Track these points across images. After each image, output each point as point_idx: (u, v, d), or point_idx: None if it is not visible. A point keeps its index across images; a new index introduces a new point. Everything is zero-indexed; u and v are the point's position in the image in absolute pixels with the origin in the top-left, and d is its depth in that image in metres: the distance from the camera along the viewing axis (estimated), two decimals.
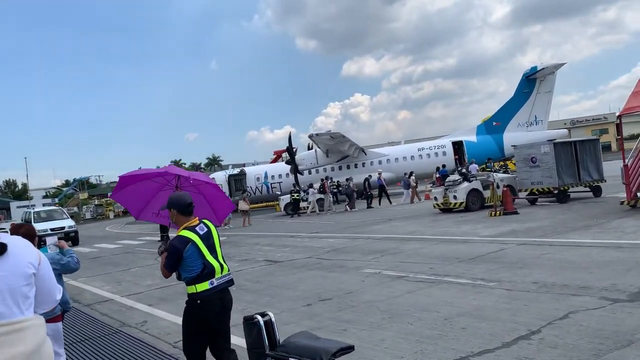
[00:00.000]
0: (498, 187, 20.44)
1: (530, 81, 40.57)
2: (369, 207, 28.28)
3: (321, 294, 8.64)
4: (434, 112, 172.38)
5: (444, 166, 32.58)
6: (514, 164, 41.42)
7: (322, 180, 31.38)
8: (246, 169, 44.50)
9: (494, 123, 42.20)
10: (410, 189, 29.12)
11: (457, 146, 41.22)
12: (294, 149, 40.17)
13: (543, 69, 39.57)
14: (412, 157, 41.04)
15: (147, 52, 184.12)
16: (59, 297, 2.56)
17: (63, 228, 25.92)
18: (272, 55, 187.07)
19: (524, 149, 20.37)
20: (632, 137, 59.12)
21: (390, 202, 28.86)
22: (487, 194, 20.22)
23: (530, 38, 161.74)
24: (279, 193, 36.72)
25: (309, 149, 43.77)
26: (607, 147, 70.90)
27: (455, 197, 19.86)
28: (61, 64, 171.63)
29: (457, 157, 40.44)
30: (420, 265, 10.05)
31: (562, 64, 40.34)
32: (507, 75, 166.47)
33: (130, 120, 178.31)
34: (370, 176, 32.40)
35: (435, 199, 20.69)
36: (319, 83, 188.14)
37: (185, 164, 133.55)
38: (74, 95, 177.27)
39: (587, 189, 19.90)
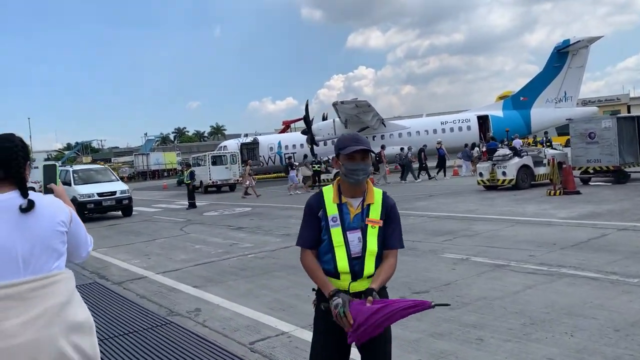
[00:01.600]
0: (549, 163, 18.87)
1: (562, 55, 38.55)
2: (430, 178, 26.97)
3: (410, 285, 7.08)
4: (439, 88, 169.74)
5: (493, 138, 30.71)
6: (538, 141, 39.83)
7: (381, 147, 29.36)
8: (259, 137, 42.78)
9: (522, 98, 40.36)
10: (471, 161, 27.55)
11: (482, 121, 39.43)
12: (311, 119, 38.35)
13: (577, 42, 37.47)
14: (434, 130, 39.29)
15: (151, 17, 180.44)
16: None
17: (114, 194, 19.77)
18: (277, 25, 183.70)
19: (580, 124, 18.63)
20: None
21: (435, 177, 27.24)
22: (538, 170, 18.62)
23: (540, 16, 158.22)
24: (296, 164, 35.05)
25: (323, 119, 42.01)
26: None
27: (504, 174, 18.21)
28: (66, 27, 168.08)
29: (482, 132, 38.68)
30: (514, 252, 8.47)
31: (598, 37, 38.17)
32: (514, 53, 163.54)
33: (133, 86, 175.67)
34: (425, 145, 30.45)
35: (481, 174, 19.03)
36: (323, 54, 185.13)
37: (188, 131, 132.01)
38: (76, 59, 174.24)
39: None
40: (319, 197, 3.00)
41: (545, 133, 36.17)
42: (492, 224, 11.29)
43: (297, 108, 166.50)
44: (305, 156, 30.37)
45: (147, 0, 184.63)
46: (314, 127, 37.36)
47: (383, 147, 29.91)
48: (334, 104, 32.62)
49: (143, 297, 7.77)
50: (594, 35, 37.98)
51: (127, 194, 20.13)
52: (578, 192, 15.48)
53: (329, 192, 2.99)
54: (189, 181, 21.67)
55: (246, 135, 44.21)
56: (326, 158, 30.15)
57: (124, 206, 20.22)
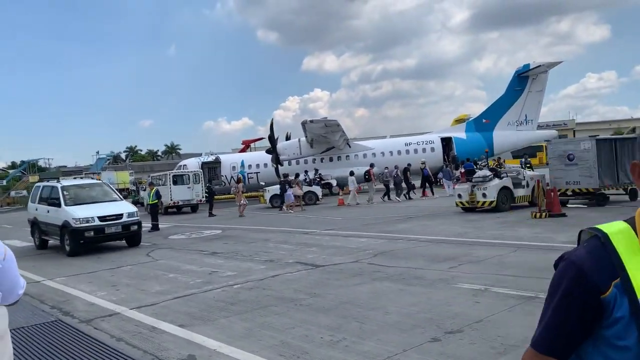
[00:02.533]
0: (528, 185, 18.61)
1: (522, 79, 39.26)
2: (408, 198, 26.48)
3: (438, 322, 6.20)
4: (391, 112, 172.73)
5: (468, 160, 30.69)
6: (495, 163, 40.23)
7: (370, 165, 28.92)
8: (222, 156, 41.40)
9: (484, 120, 40.72)
10: (453, 180, 27.24)
11: (446, 142, 39.50)
12: (276, 138, 37.40)
13: (537, 67, 38.25)
14: (398, 151, 39.06)
15: (103, 33, 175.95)
16: (21, 292, 2.46)
17: (119, 217, 15.14)
18: (232, 45, 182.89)
19: (559, 145, 18.48)
20: None
21: (408, 198, 26.81)
22: (517, 192, 18.28)
23: (488, 44, 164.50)
24: (263, 184, 33.94)
25: (287, 139, 41.11)
26: None
27: (484, 195, 17.76)
28: (8, 39, 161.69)
29: (446, 154, 38.70)
30: (533, 281, 7.74)
31: (558, 62, 39.11)
32: (464, 78, 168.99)
33: (82, 103, 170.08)
34: (409, 164, 29.85)
35: (460, 196, 18.53)
36: (278, 76, 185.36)
37: (141, 150, 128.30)
38: (20, 74, 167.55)
39: (623, 192, 18.24)
40: (602, 254, 1.39)
41: (498, 158, 36.57)
42: (493, 249, 10.61)
43: (252, 128, 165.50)
44: (297, 175, 29.32)
45: (101, 14, 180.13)
46: (279, 146, 36.42)
47: (372, 165, 29.29)
48: (303, 123, 31.84)
49: (120, 339, 6.57)
50: (553, 61, 38.87)
51: (135, 218, 15.50)
52: (564, 215, 15.12)
53: (625, 240, 1.40)
54: (155, 201, 20.24)
55: (208, 154, 42.70)
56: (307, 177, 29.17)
57: (132, 234, 15.54)
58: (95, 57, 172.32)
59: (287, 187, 25.38)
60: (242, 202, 25.03)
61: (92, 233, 14.63)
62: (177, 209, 30.21)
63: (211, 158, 40.63)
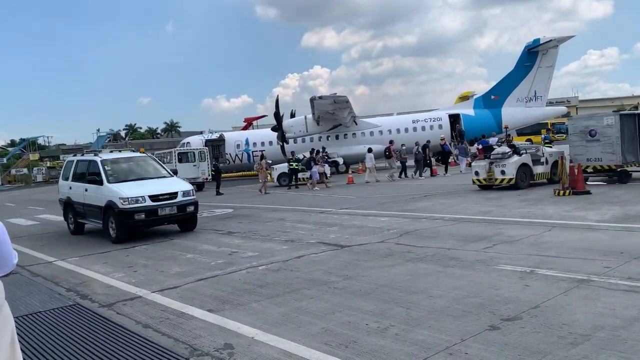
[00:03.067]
0: (547, 162, 18.12)
1: (532, 54, 38.43)
2: (420, 176, 26.17)
3: (491, 308, 5.76)
4: (392, 89, 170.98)
5: (483, 136, 30.39)
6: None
7: (390, 142, 28.64)
8: (226, 134, 40.81)
9: (492, 97, 39.99)
10: (468, 157, 27.20)
11: (454, 119, 38.84)
12: (281, 115, 36.75)
13: (547, 41, 37.38)
14: (406, 129, 38.44)
15: (100, 10, 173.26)
16: (15, 261, 2.68)
17: (174, 196, 12.86)
18: (231, 22, 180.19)
19: (580, 120, 17.90)
20: None
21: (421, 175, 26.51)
22: (536, 169, 17.79)
23: (489, 20, 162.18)
24: (270, 162, 33.41)
25: (291, 116, 40.42)
26: None
27: (503, 172, 17.26)
28: (7, 19, 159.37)
29: (454, 131, 38.09)
30: (581, 263, 7.30)
31: (569, 37, 38.18)
32: (465, 55, 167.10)
33: (81, 81, 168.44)
34: (429, 141, 29.34)
35: (477, 173, 18.02)
36: (278, 53, 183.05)
37: (140, 128, 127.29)
38: (20, 53, 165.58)
39: None
40: None
41: (508, 135, 36.11)
42: (524, 229, 10.14)
43: (252, 106, 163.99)
44: (317, 151, 28.83)
45: None
46: (284, 123, 35.80)
47: (391, 142, 28.80)
48: (312, 99, 31.17)
49: (147, 326, 6.14)
50: (564, 35, 37.97)
51: (192, 197, 13.15)
52: (588, 192, 14.64)
53: None
54: None
55: (212, 132, 42.05)
56: (302, 156, 28.62)
57: (188, 216, 13.18)
58: (93, 34, 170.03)
59: (312, 163, 24.91)
60: (263, 179, 24.75)
61: (142, 215, 12.24)
62: None
63: (215, 135, 40.03)
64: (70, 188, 14.74)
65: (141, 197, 12.30)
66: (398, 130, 38.28)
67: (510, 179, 17.13)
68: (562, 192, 14.86)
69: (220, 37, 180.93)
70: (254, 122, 59.48)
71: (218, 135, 39.77)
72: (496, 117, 39.00)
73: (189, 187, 13.48)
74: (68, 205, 14.94)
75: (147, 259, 10.24)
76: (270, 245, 10.65)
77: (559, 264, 7.30)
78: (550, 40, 37.30)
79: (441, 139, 29.52)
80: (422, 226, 11.43)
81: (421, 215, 13.05)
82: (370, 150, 27.36)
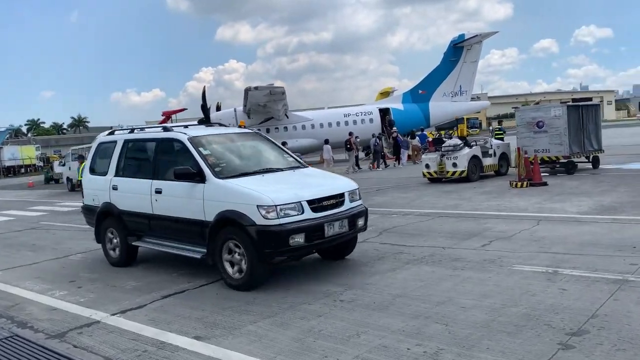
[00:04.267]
0: (495, 154, 18.03)
1: (458, 49, 39.08)
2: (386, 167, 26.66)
3: (540, 318, 4.93)
4: (308, 85, 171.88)
5: (422, 130, 30.49)
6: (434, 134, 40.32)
7: (349, 133, 28.06)
8: (147, 128, 38.12)
9: (420, 91, 40.32)
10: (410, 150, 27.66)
11: (384, 113, 38.75)
12: (208, 107, 34.86)
13: (472, 37, 38.19)
14: (337, 122, 37.86)
15: None
16: None
17: (341, 201, 7.17)
18: (140, 13, 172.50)
19: (528, 112, 17.90)
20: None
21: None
22: (486, 161, 17.61)
23: (401, 19, 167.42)
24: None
25: (217, 109, 38.58)
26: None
27: (455, 165, 16.90)
28: None
29: (384, 124, 37.99)
30: (603, 260, 6.72)
31: (493, 33, 39.19)
32: (378, 53, 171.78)
33: None
34: (381, 133, 29.77)
35: (427, 165, 17.57)
36: (191, 46, 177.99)
37: (44, 123, 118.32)
38: None
39: (585, 159, 18.09)
40: None
41: (457, 120, 36.65)
42: (511, 223, 9.57)
43: (163, 100, 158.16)
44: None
45: None
46: (212, 116, 33.85)
47: (351, 133, 27.98)
48: (247, 90, 29.56)
49: None
50: (488, 31, 38.94)
51: (359, 202, 7.76)
52: (545, 184, 14.53)
53: None
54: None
55: (131, 127, 39.12)
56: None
57: (352, 235, 7.66)
58: None
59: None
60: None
61: (302, 238, 6.55)
62: None
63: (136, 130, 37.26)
64: (115, 188, 8.76)
65: (296, 203, 6.66)
66: (330, 124, 37.65)
67: (462, 172, 16.80)
68: (519, 183, 14.65)
69: (129, 28, 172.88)
70: (173, 116, 56.63)
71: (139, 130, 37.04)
72: (424, 111, 39.37)
73: (354, 185, 7.84)
74: (109, 218, 8.88)
75: (91, 272, 8.60)
76: None
77: (578, 262, 6.68)
78: (475, 36, 38.10)
79: (393, 131, 29.46)
80: (397, 222, 10.59)
81: (387, 210, 12.24)
82: (327, 141, 26.94)
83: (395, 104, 39.75)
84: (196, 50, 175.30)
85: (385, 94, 64.74)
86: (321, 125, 37.41)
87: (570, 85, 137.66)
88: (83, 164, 17.55)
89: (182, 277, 7.66)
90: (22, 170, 62.32)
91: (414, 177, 19.52)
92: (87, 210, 9.62)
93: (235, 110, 33.85)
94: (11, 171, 60.45)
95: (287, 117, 36.42)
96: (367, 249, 8.44)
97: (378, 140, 26.67)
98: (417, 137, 30.16)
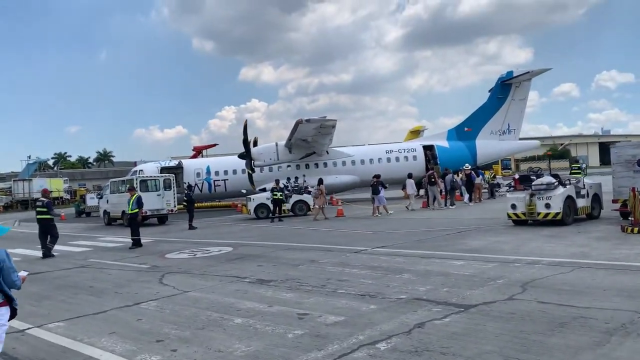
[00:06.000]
0: (587, 194, 16.16)
1: (505, 87, 37.74)
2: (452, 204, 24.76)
3: None
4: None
5: (478, 168, 28.77)
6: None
7: (430, 169, 28.09)
8: (184, 161, 37.09)
9: (466, 129, 38.79)
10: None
11: (428, 150, 37.16)
12: (250, 141, 33.70)
13: (521, 74, 36.82)
14: (379, 159, 36.45)
15: (29, 33, 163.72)
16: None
17: None
18: (166, 52, 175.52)
19: (626, 149, 16.03)
20: None
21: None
22: (579, 202, 15.74)
23: (420, 61, 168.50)
24: (244, 192, 30.07)
25: (254, 144, 37.36)
26: None
27: (548, 206, 15.03)
28: None
29: (428, 162, 36.32)
30: None
31: (544, 70, 37.72)
32: (397, 94, 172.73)
33: (5, 107, 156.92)
34: (448, 170, 27.83)
35: (514, 206, 15.72)
36: (214, 85, 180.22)
37: (70, 156, 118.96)
38: None
39: None
40: None
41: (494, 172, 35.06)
42: None
43: (186, 137, 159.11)
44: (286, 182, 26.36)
45: (24, 15, 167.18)
46: (253, 150, 32.77)
47: (432, 169, 28.44)
48: (298, 122, 28.24)
49: None
50: (539, 68, 37.47)
51: None
52: None
53: None
54: (136, 209, 16.12)
55: (168, 159, 38.04)
56: (285, 184, 25.54)
57: None
58: (18, 59, 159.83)
59: (380, 188, 22.44)
60: (322, 205, 22.66)
61: None
62: (143, 220, 25.83)
63: (173, 163, 36.24)
64: None
65: None
66: (371, 161, 36.25)
67: (557, 214, 14.93)
68: (635, 228, 12.76)
69: (155, 67, 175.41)
70: (204, 152, 55.90)
71: (176, 163, 35.99)
72: (471, 149, 37.76)
73: None
74: None
75: (175, 327, 6.87)
76: (346, 302, 7.61)
77: None
78: (525, 73, 36.76)
79: (466, 168, 28.06)
80: (530, 274, 8.77)
81: (502, 258, 10.42)
82: (410, 175, 25.69)
83: (440, 142, 38.19)
84: (219, 89, 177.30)
85: (416, 132, 63.57)
86: (362, 161, 36.01)
87: (592, 130, 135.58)
88: (134, 195, 16.14)
89: (300, 341, 5.92)
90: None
91: (486, 219, 17.76)
92: None
93: (277, 145, 32.55)
94: None
95: (327, 153, 35.07)
96: (524, 310, 6.62)
97: (455, 177, 25.22)
98: (481, 176, 28.50)
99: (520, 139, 39.49)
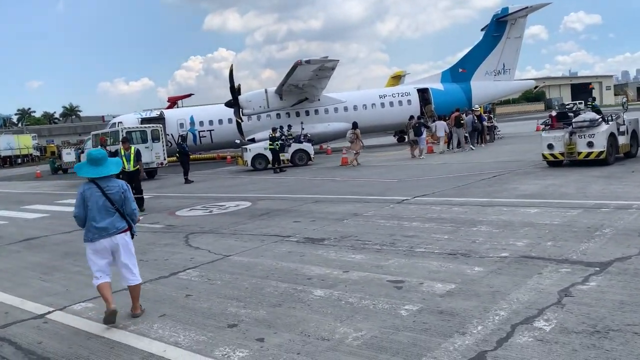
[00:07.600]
0: (627, 131, 15.03)
1: (501, 24, 36.08)
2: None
3: None
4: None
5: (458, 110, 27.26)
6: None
7: (456, 110, 25.60)
8: (166, 112, 34.76)
9: (460, 70, 37.24)
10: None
11: (423, 94, 35.61)
12: (237, 87, 31.53)
13: (518, 10, 35.15)
14: (373, 104, 34.78)
15: None
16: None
17: None
18: (128, 1, 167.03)
19: None
20: None
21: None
22: (620, 140, 14.59)
23: (390, 7, 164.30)
24: (238, 142, 28.25)
25: (238, 91, 35.19)
26: None
27: (590, 145, 13.83)
28: None
29: (423, 106, 34.87)
30: None
31: (542, 5, 35.85)
32: (368, 41, 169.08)
33: None
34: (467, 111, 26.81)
35: (550, 146, 14.46)
36: (179, 35, 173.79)
37: (35, 112, 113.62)
38: None
39: None
40: None
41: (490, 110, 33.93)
42: None
43: (152, 89, 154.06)
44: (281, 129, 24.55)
45: None
46: (241, 98, 30.63)
47: (457, 109, 25.96)
48: (296, 64, 26.13)
49: None
50: (537, 3, 35.69)
51: None
52: None
53: None
54: (137, 166, 14.21)
55: (150, 111, 35.51)
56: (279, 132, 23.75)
57: None
58: None
59: (422, 129, 21.51)
60: (359, 150, 21.30)
61: None
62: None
63: (154, 113, 33.91)
64: None
65: None
66: (365, 106, 34.53)
67: (600, 152, 13.75)
68: None
69: (116, 18, 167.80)
70: (179, 102, 53.25)
71: (158, 113, 33.70)
72: (466, 91, 36.42)
73: None
74: None
75: (239, 301, 5.44)
76: (440, 265, 6.22)
77: None
78: (522, 9, 35.08)
79: (475, 110, 27.01)
80: (612, 220, 7.53)
81: (578, 203, 9.16)
82: (439, 117, 24.56)
83: (434, 84, 36.63)
84: (185, 39, 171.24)
85: (397, 77, 61.82)
86: (355, 107, 34.25)
87: (559, 72, 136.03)
88: (133, 149, 14.29)
89: (422, 321, 4.54)
90: (19, 160, 58.42)
91: (506, 161, 16.67)
92: None
93: (266, 92, 30.49)
94: (7, 161, 56.47)
95: (319, 100, 33.20)
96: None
97: (476, 119, 24.11)
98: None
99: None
